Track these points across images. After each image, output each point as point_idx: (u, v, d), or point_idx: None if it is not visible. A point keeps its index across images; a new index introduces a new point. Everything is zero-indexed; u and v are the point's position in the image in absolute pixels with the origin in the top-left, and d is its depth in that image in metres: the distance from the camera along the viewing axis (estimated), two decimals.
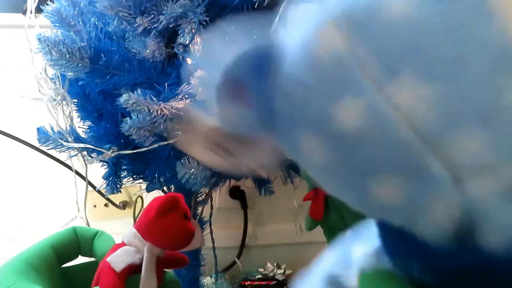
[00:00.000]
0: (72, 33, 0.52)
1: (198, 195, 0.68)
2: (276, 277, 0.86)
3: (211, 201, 0.76)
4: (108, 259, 0.32)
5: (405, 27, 0.16)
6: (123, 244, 0.35)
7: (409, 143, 0.16)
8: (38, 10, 0.59)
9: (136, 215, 0.72)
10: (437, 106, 0.16)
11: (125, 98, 0.48)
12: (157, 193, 0.64)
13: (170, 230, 0.34)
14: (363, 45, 0.17)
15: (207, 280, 0.82)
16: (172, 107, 0.50)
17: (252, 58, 0.21)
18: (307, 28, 0.18)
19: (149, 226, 0.34)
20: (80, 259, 0.39)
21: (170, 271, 0.38)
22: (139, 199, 0.66)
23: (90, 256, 0.38)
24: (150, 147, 0.52)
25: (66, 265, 0.37)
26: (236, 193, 0.92)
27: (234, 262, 0.92)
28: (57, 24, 0.55)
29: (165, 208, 0.34)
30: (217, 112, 0.22)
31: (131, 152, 0.52)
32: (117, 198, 0.87)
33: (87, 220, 0.66)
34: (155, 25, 0.52)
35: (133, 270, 0.33)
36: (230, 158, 0.27)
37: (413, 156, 0.16)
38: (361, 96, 0.17)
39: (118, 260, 0.32)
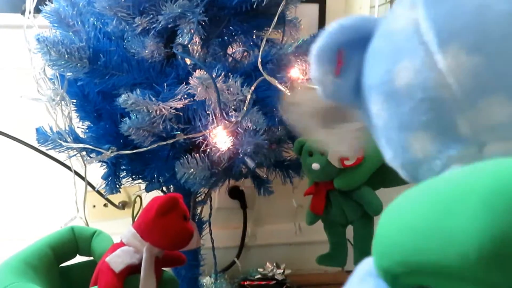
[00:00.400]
0: (71, 33, 0.52)
1: (197, 195, 0.68)
2: (275, 277, 0.86)
3: (211, 201, 0.76)
4: (107, 259, 0.32)
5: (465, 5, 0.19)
6: (121, 244, 0.35)
7: (443, 101, 0.19)
8: (37, 10, 0.59)
9: (134, 215, 0.72)
10: (474, 74, 0.19)
11: (124, 98, 0.48)
12: (156, 193, 0.64)
13: (170, 230, 0.34)
14: (427, 20, 0.20)
15: (206, 280, 0.82)
16: (171, 107, 0.50)
17: (351, 27, 0.24)
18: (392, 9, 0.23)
19: (149, 226, 0.34)
20: (78, 258, 0.39)
21: (168, 269, 0.38)
22: (138, 198, 0.66)
23: (88, 256, 0.38)
24: (149, 147, 0.52)
25: (64, 264, 0.37)
26: (236, 193, 0.92)
27: (234, 262, 0.92)
28: (56, 24, 0.55)
29: (165, 209, 0.34)
30: (319, 79, 0.25)
31: (130, 152, 0.52)
32: (116, 198, 0.87)
33: (86, 220, 0.66)
34: (154, 25, 0.52)
35: (132, 270, 0.33)
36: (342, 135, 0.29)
37: (445, 114, 0.20)
38: (414, 60, 0.20)
39: (117, 261, 0.32)
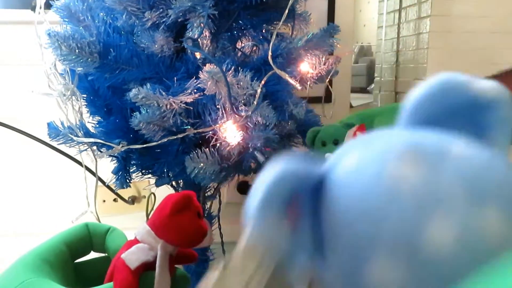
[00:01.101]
0: (81, 28, 0.53)
1: (207, 190, 0.68)
2: None
3: (220, 196, 0.76)
4: (123, 256, 0.33)
5: None
6: (136, 240, 0.35)
7: None
8: (47, 6, 0.59)
9: (148, 212, 0.72)
10: None
11: (135, 93, 0.48)
12: (166, 189, 0.64)
13: (184, 228, 0.34)
14: (442, 176, 0.18)
15: None
16: (181, 102, 0.50)
17: (298, 175, 0.21)
18: (383, 162, 0.20)
19: (163, 224, 0.34)
20: (92, 255, 0.39)
21: (179, 266, 0.39)
22: (152, 195, 0.66)
23: (102, 252, 0.38)
24: (159, 142, 0.52)
25: (79, 261, 0.37)
26: (244, 188, 0.92)
27: None
28: (66, 19, 0.55)
29: (179, 207, 0.34)
30: (266, 237, 0.21)
31: (140, 146, 0.52)
32: (126, 193, 0.88)
33: (97, 214, 0.67)
34: (164, 20, 0.52)
35: (147, 267, 0.33)
36: None
37: None
38: (453, 215, 0.18)
39: (132, 258, 0.33)
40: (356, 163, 0.21)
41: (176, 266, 0.38)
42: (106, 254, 0.38)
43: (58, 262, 0.33)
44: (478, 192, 0.18)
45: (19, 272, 0.30)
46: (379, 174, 0.20)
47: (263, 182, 0.20)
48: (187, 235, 0.35)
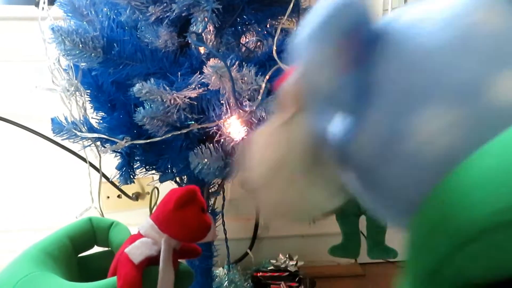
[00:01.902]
0: (85, 23, 0.52)
1: (211, 186, 0.68)
2: (288, 268, 0.85)
3: (224, 193, 0.76)
4: (127, 250, 0.32)
5: None
6: (139, 235, 0.35)
7: None
8: (50, 1, 0.59)
9: (152, 206, 0.72)
10: None
11: (138, 88, 0.48)
12: (170, 185, 0.64)
13: (188, 223, 0.34)
14: None
15: (219, 271, 0.83)
16: (185, 97, 0.49)
17: (352, 7, 0.19)
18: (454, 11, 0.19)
19: (167, 218, 0.34)
20: (95, 249, 0.39)
21: (183, 261, 0.39)
22: (155, 190, 0.66)
23: (106, 246, 0.38)
24: (163, 137, 0.52)
25: (82, 255, 0.37)
26: None
27: (246, 254, 0.92)
28: (70, 14, 0.55)
29: (183, 201, 0.34)
30: (314, 68, 0.19)
31: (144, 142, 0.52)
32: (130, 189, 0.88)
33: (101, 210, 0.67)
34: (168, 14, 0.52)
35: (150, 261, 0.33)
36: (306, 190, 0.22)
37: None
38: None
39: (136, 252, 0.32)
40: (427, 8, 0.20)
41: (179, 260, 0.38)
42: (110, 249, 0.38)
43: (62, 256, 0.33)
44: None
45: (23, 266, 0.30)
46: (457, 16, 0.18)
47: (324, 6, 0.18)
48: (190, 230, 0.34)
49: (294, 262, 0.87)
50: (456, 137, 0.17)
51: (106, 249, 0.39)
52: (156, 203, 0.71)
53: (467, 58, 0.17)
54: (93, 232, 0.37)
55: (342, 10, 0.18)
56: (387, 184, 0.20)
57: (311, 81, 0.20)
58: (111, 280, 0.30)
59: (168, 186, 0.65)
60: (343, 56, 0.19)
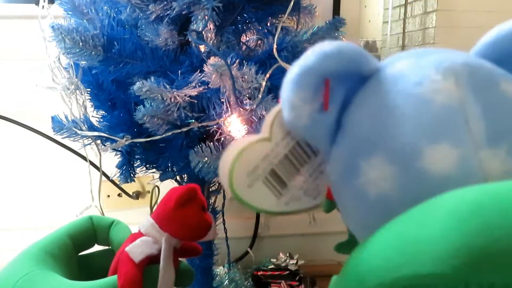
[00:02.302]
0: (85, 21, 0.52)
1: (211, 185, 0.68)
2: (288, 267, 0.85)
3: (224, 191, 0.75)
4: (127, 249, 0.32)
5: None
6: (140, 233, 0.35)
7: None
8: (51, 0, 0.59)
9: (152, 205, 0.72)
10: None
11: (139, 86, 0.48)
12: (171, 183, 0.64)
13: (189, 221, 0.34)
14: (477, 106, 0.18)
15: (220, 270, 0.83)
16: (185, 95, 0.49)
17: (339, 57, 0.21)
18: (426, 72, 0.20)
19: (168, 217, 0.34)
20: (96, 247, 0.39)
21: (183, 260, 0.38)
22: (156, 188, 0.66)
23: (106, 245, 0.38)
24: (163, 135, 0.52)
25: (82, 253, 0.37)
26: None
27: (247, 252, 0.92)
28: (70, 12, 0.55)
29: (184, 200, 0.34)
30: (291, 111, 0.21)
31: (144, 140, 0.52)
32: (130, 188, 0.88)
33: (101, 209, 0.67)
34: (168, 12, 0.52)
35: (151, 260, 0.33)
36: (281, 196, 0.24)
37: None
38: (458, 148, 0.18)
39: (137, 251, 0.32)
40: (406, 67, 0.21)
41: (180, 259, 0.38)
42: (110, 247, 0.38)
43: (62, 255, 0.33)
44: (499, 132, 0.18)
45: (23, 265, 0.30)
46: (419, 82, 0.20)
47: (313, 51, 0.20)
48: (191, 228, 0.34)
49: (294, 261, 0.87)
50: (386, 189, 0.19)
51: (106, 247, 0.39)
52: (156, 202, 0.70)
53: (412, 124, 0.19)
54: (93, 231, 0.37)
55: (323, 59, 0.20)
56: (344, 209, 0.23)
57: (286, 118, 0.22)
58: (112, 278, 0.30)
59: (169, 184, 0.65)
60: (319, 98, 0.21)
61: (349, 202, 0.22)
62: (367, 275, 0.17)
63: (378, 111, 0.21)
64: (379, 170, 0.20)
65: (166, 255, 0.33)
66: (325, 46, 0.20)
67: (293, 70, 0.21)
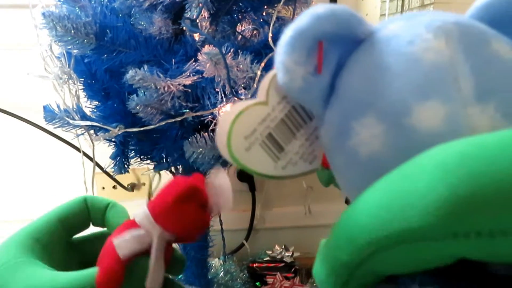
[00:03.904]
0: (77, 8, 0.51)
1: (206, 176, 0.67)
2: (284, 259, 0.86)
3: None
4: (115, 242, 0.31)
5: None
6: (133, 222, 0.34)
7: None
8: None
9: (151, 193, 0.70)
10: None
11: (132, 74, 0.47)
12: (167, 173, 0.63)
13: (185, 219, 0.32)
14: (467, 64, 0.19)
15: (215, 262, 0.83)
16: (179, 84, 0.49)
17: (334, 19, 0.21)
18: (418, 32, 0.20)
19: (164, 211, 0.32)
20: (91, 229, 0.38)
21: (177, 248, 0.38)
22: (157, 176, 0.65)
23: (102, 227, 0.37)
24: (157, 125, 0.51)
25: (76, 236, 0.36)
26: (244, 176, 0.91)
27: (242, 245, 0.92)
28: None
29: (185, 197, 0.32)
30: (285, 73, 0.21)
31: (138, 129, 0.51)
32: (125, 180, 0.87)
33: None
34: (162, 0, 0.51)
35: (139, 254, 0.32)
36: (278, 160, 0.25)
37: None
38: (447, 104, 0.18)
39: (125, 246, 0.31)
40: (398, 28, 0.21)
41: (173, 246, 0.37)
42: (106, 230, 0.37)
43: (51, 242, 0.32)
44: (488, 89, 0.18)
45: (10, 251, 0.29)
46: (411, 41, 0.20)
47: (306, 14, 0.21)
48: (186, 227, 0.33)
49: (290, 253, 0.87)
50: (377, 148, 0.20)
51: (102, 230, 0.37)
52: (154, 190, 0.69)
53: (402, 83, 0.19)
54: (87, 213, 0.36)
55: (316, 21, 0.20)
56: (338, 172, 0.23)
57: (280, 81, 0.22)
58: (91, 272, 0.29)
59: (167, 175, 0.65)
60: (313, 61, 0.21)
61: (342, 164, 0.22)
62: (356, 233, 0.17)
63: (370, 71, 0.21)
64: (370, 129, 0.20)
65: (158, 252, 0.32)
66: (318, 9, 0.20)
67: (287, 33, 0.21)
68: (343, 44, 0.22)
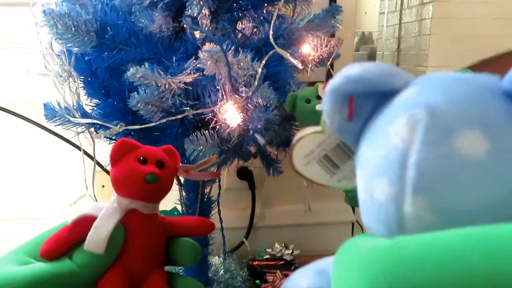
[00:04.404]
0: (77, 6, 0.51)
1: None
2: (284, 257, 0.86)
3: (219, 182, 0.75)
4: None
5: None
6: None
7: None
8: None
9: None
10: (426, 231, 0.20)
11: (132, 72, 0.47)
12: None
13: (121, 174, 0.33)
14: (418, 155, 0.21)
15: (215, 260, 0.83)
16: (180, 82, 0.49)
17: (362, 80, 0.24)
18: (400, 112, 0.23)
19: (111, 178, 0.34)
20: None
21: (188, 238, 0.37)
22: None
23: None
24: (158, 123, 0.51)
25: None
26: (244, 174, 0.91)
27: (242, 243, 0.93)
28: None
29: (117, 155, 0.33)
30: (327, 117, 0.26)
31: (139, 127, 0.51)
32: None
33: (95, 198, 0.66)
34: None
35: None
36: (334, 175, 0.30)
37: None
38: (391, 187, 0.21)
39: (75, 213, 0.31)
40: (401, 99, 0.23)
41: (185, 239, 0.36)
42: None
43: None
44: (423, 183, 0.20)
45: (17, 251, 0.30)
46: (390, 122, 0.23)
47: (340, 73, 0.24)
48: (122, 181, 0.33)
49: (290, 251, 0.87)
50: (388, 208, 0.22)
51: None
52: None
53: (376, 155, 0.23)
54: None
55: (346, 82, 0.24)
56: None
57: (327, 122, 0.27)
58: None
59: None
60: (346, 110, 0.25)
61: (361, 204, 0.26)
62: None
63: (368, 136, 0.24)
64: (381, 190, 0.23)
65: (105, 213, 0.32)
66: (351, 70, 0.24)
67: (329, 83, 0.25)
68: (377, 96, 0.25)
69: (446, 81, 0.23)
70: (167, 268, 0.37)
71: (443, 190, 0.20)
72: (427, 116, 0.21)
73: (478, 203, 0.19)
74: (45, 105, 0.55)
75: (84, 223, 0.31)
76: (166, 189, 0.36)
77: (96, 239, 0.30)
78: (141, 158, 0.34)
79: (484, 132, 0.20)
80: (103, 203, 0.33)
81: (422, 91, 0.23)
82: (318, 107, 0.51)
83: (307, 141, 0.30)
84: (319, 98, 0.52)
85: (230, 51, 0.50)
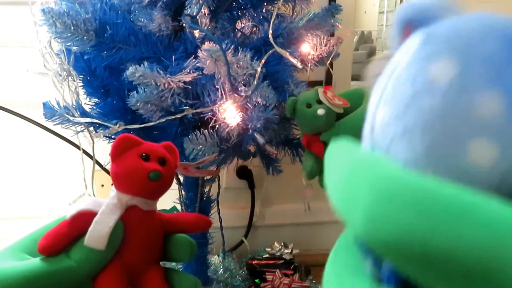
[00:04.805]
0: (76, 5, 0.51)
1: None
2: (283, 256, 0.86)
3: (219, 181, 0.75)
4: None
5: None
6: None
7: None
8: None
9: None
10: None
11: (132, 71, 0.47)
12: None
13: (124, 170, 0.33)
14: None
15: (214, 259, 0.83)
16: (179, 81, 0.49)
17: (422, 9, 0.24)
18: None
19: (112, 175, 0.33)
20: None
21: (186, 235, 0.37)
22: None
23: None
24: (157, 122, 0.51)
25: None
26: (244, 173, 0.91)
27: (242, 242, 0.93)
28: None
29: (117, 151, 0.33)
30: (391, 43, 0.26)
31: (138, 126, 0.51)
32: None
33: (94, 196, 0.66)
34: None
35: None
36: None
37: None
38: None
39: (73, 208, 0.31)
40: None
41: (181, 235, 0.36)
42: None
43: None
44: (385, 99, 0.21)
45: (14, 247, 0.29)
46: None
47: (400, 6, 0.25)
48: (124, 177, 0.33)
49: (289, 250, 0.87)
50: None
51: None
52: None
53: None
54: None
55: (405, 9, 0.25)
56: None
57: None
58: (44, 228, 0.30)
59: None
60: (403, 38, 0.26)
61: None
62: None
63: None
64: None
65: (105, 209, 0.32)
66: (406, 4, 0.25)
67: (396, 15, 0.25)
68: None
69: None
70: (167, 264, 0.37)
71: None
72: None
73: None
74: (44, 104, 0.55)
75: (83, 218, 0.31)
76: (167, 186, 0.36)
77: (97, 234, 0.30)
78: (144, 154, 0.34)
79: None
80: (102, 199, 0.33)
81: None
82: (320, 111, 0.51)
83: (376, 64, 0.31)
84: (319, 102, 0.52)
85: (230, 50, 0.50)
